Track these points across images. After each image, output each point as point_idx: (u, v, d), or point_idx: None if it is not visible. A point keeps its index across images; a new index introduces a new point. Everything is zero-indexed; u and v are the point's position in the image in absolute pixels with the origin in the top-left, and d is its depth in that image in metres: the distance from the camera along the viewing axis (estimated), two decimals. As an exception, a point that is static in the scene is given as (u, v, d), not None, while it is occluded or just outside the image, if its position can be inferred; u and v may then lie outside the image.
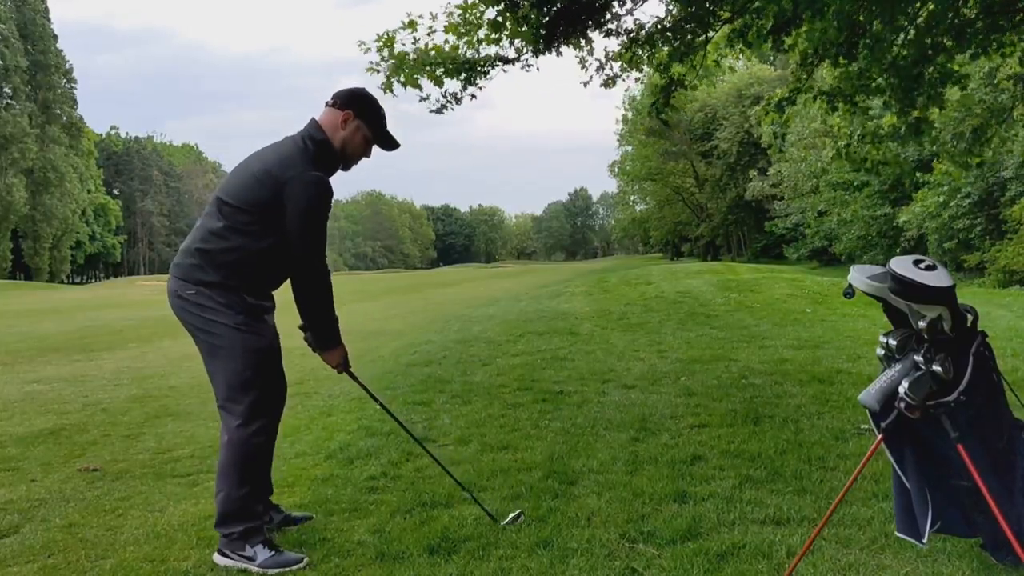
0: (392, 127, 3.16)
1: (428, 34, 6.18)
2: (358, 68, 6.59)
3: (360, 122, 3.06)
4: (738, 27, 6.54)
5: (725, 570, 2.63)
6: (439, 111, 6.62)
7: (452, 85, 6.48)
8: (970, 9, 6.42)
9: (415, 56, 6.19)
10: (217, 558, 2.89)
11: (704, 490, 3.45)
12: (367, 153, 3.15)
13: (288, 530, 3.20)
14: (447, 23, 6.15)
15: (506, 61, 6.33)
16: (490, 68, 6.36)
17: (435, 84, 6.34)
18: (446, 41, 6.20)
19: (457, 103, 6.56)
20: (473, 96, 6.57)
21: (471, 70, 6.28)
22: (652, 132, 49.25)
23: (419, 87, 6.33)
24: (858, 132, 8.00)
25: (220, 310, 2.92)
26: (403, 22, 6.19)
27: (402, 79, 6.19)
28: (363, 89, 3.18)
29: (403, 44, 6.22)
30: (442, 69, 6.23)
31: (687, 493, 3.41)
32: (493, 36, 6.04)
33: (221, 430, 2.99)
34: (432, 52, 6.20)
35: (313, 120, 3.06)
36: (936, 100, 6.97)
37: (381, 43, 6.18)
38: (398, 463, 4.10)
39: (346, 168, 3.12)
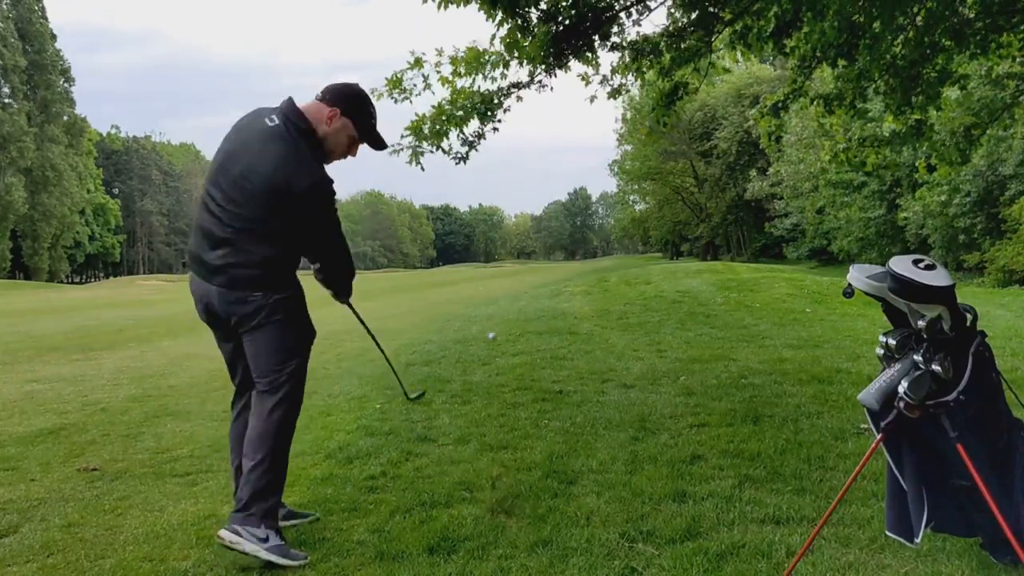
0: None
1: (436, 67, 6.15)
2: (355, 68, 6.63)
3: (347, 120, 3.03)
4: (739, 29, 6.52)
5: (725, 569, 2.63)
6: (464, 158, 6.51)
7: (472, 125, 6.42)
8: (969, 9, 6.42)
9: (433, 115, 6.19)
10: (224, 533, 2.85)
11: (703, 489, 3.45)
12: (352, 152, 3.15)
13: (286, 527, 3.20)
14: (452, 57, 6.12)
15: (519, 86, 6.29)
16: (505, 98, 6.31)
17: (459, 131, 6.29)
18: (456, 74, 6.15)
19: (480, 140, 6.50)
20: (495, 129, 6.50)
21: (489, 105, 6.23)
22: (652, 131, 49.19)
23: (445, 139, 6.30)
24: (857, 136, 7.99)
25: None
26: (408, 63, 6.17)
27: (427, 139, 6.18)
28: (355, 86, 3.16)
29: (415, 84, 6.17)
30: (462, 113, 6.20)
31: (686, 493, 3.41)
32: (507, 59, 6.00)
33: None
34: (449, 106, 6.18)
35: (292, 104, 3.01)
36: (934, 100, 6.97)
37: (390, 85, 6.17)
38: (397, 463, 4.11)
39: (325, 163, 3.10)
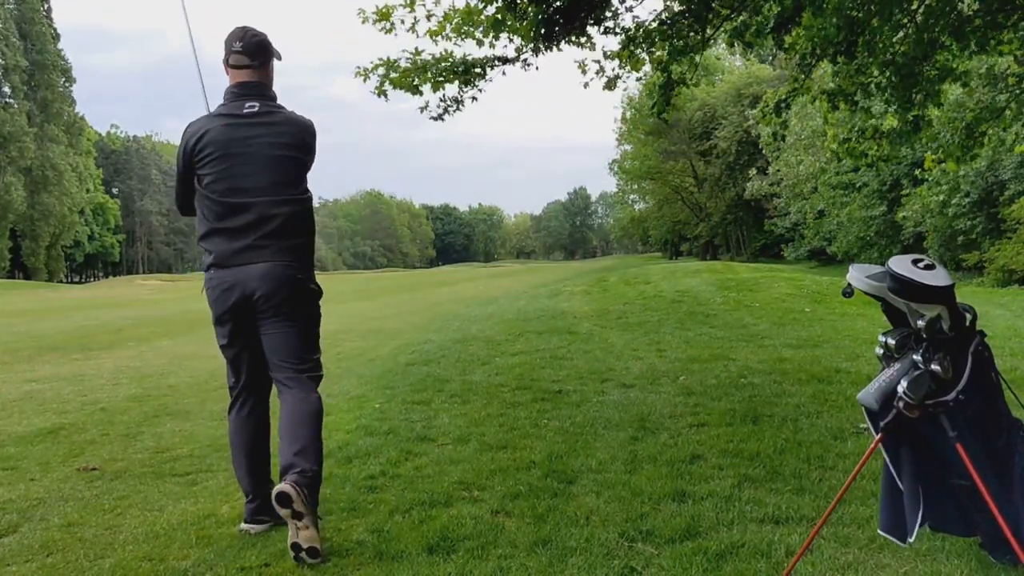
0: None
1: (427, 17, 6.11)
2: (354, 68, 6.52)
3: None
4: (738, 24, 6.51)
5: (724, 569, 2.63)
6: (439, 117, 6.56)
7: (451, 89, 6.43)
8: (968, 6, 6.43)
9: (410, 64, 6.19)
10: (288, 488, 2.82)
11: (703, 489, 3.45)
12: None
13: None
14: (446, 13, 6.09)
15: (505, 61, 6.29)
16: (490, 68, 6.32)
17: (433, 89, 6.31)
18: (446, 36, 6.13)
19: (458, 107, 6.51)
20: (474, 98, 6.53)
21: (470, 72, 6.24)
22: (651, 131, 49.21)
23: (420, 92, 6.30)
24: (858, 127, 7.99)
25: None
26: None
27: (392, 82, 6.19)
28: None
29: (401, 20, 6.13)
30: (442, 76, 6.20)
31: (686, 492, 3.41)
32: (493, 33, 5.99)
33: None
34: (429, 57, 6.19)
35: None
36: (933, 98, 6.97)
37: (378, 16, 6.14)
38: (397, 462, 4.11)
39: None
